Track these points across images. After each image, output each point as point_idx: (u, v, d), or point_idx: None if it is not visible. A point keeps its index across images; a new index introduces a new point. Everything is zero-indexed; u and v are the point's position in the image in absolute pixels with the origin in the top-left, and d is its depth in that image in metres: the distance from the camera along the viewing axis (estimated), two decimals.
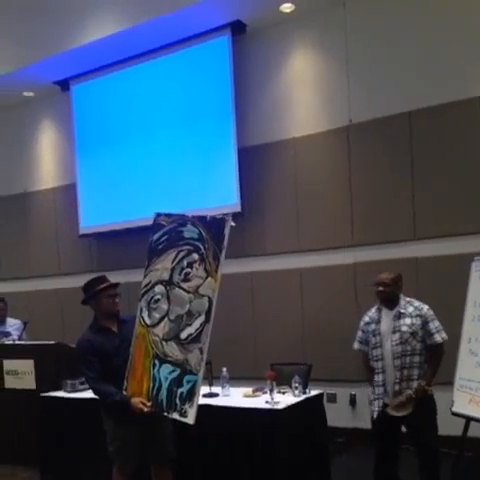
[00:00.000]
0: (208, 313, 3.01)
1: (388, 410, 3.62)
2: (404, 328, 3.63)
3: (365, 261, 5.17)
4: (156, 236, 3.42)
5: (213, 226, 3.10)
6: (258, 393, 4.16)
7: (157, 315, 3.28)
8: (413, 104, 5.05)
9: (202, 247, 3.12)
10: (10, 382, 5.24)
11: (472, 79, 4.82)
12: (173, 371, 3.11)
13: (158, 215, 3.48)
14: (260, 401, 3.96)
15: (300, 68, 5.70)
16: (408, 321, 3.65)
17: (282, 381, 4.14)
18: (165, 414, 3.15)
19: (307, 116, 5.64)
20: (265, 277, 5.79)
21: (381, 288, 3.72)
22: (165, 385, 3.13)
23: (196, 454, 3.97)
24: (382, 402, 3.69)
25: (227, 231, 3.02)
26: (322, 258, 5.46)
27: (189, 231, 3.21)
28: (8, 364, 5.25)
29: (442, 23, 4.94)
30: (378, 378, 3.71)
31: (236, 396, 4.19)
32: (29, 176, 7.64)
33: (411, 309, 3.69)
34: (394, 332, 3.65)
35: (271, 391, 3.86)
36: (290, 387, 4.07)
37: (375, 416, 3.71)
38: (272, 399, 3.83)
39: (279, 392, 4.03)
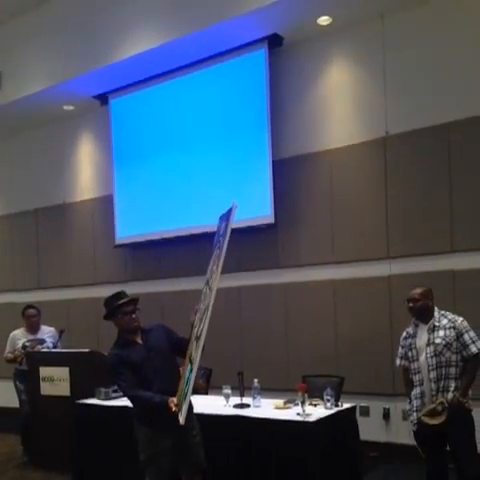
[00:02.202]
0: (208, 307, 2.98)
1: (420, 415, 3.63)
2: (438, 340, 3.65)
3: (400, 273, 5.10)
4: (215, 239, 3.46)
5: (227, 217, 3.12)
6: (289, 405, 4.11)
7: (198, 315, 3.29)
8: (451, 115, 4.98)
9: (222, 241, 3.13)
10: (46, 389, 5.33)
11: None
12: (191, 370, 3.10)
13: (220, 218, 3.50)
14: (291, 413, 3.91)
15: (336, 80, 5.69)
16: (441, 333, 3.66)
17: (314, 393, 4.10)
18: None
19: (343, 128, 5.62)
20: (299, 288, 5.75)
21: (411, 304, 3.76)
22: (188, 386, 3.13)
23: (225, 465, 3.94)
24: (418, 415, 3.68)
25: (232, 218, 3.00)
26: (357, 270, 5.40)
27: (222, 228, 3.26)
28: (44, 371, 5.35)
29: None
30: (416, 391, 3.74)
31: (267, 407, 4.15)
32: (68, 187, 7.81)
33: (445, 321, 3.70)
34: (429, 345, 3.67)
35: (302, 403, 3.82)
36: (322, 399, 4.02)
37: (414, 428, 3.71)
38: (303, 411, 3.78)
39: (311, 404, 3.98)
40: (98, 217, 7.43)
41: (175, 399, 3.23)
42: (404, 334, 3.89)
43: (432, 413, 3.58)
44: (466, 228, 4.89)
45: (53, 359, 5.41)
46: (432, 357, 3.64)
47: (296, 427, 3.73)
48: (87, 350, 5.28)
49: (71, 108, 7.49)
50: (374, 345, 5.07)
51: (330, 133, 5.69)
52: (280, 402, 4.19)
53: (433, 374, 3.63)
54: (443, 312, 3.77)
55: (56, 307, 7.41)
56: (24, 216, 8.20)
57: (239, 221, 5.71)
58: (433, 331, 3.69)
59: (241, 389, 4.33)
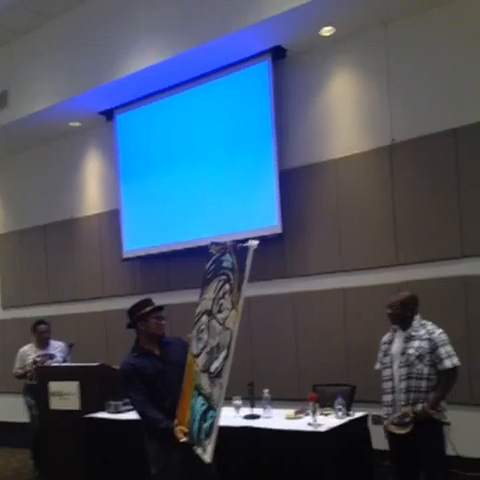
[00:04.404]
0: (229, 347, 2.87)
1: (386, 423, 3.64)
2: (410, 351, 3.61)
3: (409, 280, 5.06)
4: (208, 265, 3.38)
5: (241, 254, 2.97)
6: (300, 415, 4.08)
7: (200, 345, 3.23)
8: (457, 121, 4.97)
9: (232, 277, 3.02)
10: (55, 403, 5.31)
11: None
12: (203, 404, 3.03)
13: (211, 244, 3.43)
14: (302, 423, 3.88)
15: (341, 89, 5.71)
16: (416, 344, 3.62)
17: (325, 403, 4.07)
18: (194, 448, 3.06)
19: (348, 137, 5.62)
20: (307, 297, 5.73)
21: (388, 310, 3.76)
22: (197, 418, 3.07)
23: (236, 477, 3.90)
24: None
25: (249, 260, 2.86)
26: (366, 278, 5.37)
27: (227, 260, 3.13)
28: (54, 385, 5.32)
29: None
30: (387, 398, 3.73)
31: (278, 418, 4.12)
32: (75, 203, 7.85)
33: (422, 332, 3.66)
34: (402, 354, 3.64)
35: (313, 413, 3.78)
36: (333, 409, 3.98)
37: (385, 437, 3.74)
38: (315, 421, 3.75)
39: (322, 414, 3.95)
40: (105, 231, 7.46)
41: (183, 428, 3.18)
42: (384, 339, 3.88)
43: (399, 422, 3.55)
44: (476, 233, 4.85)
45: (62, 373, 5.39)
46: (403, 367, 3.62)
47: (307, 437, 3.69)
48: (97, 364, 5.26)
49: (77, 124, 7.54)
50: None
51: (336, 142, 5.69)
52: (291, 412, 4.16)
53: (403, 384, 3.60)
54: (423, 321, 3.71)
55: (65, 321, 7.42)
56: (33, 232, 8.24)
57: (246, 231, 5.79)
58: (409, 340, 3.65)
59: (251, 400, 4.31)
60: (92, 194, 7.72)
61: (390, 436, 3.73)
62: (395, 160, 5.30)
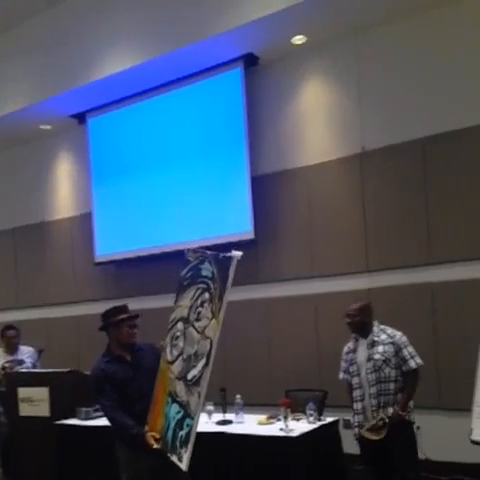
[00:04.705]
0: (208, 356, 2.86)
1: (362, 432, 3.69)
2: (377, 356, 3.71)
3: (380, 286, 5.16)
4: (184, 272, 3.35)
5: (222, 265, 2.94)
6: (272, 420, 4.12)
7: (175, 352, 3.21)
8: (426, 131, 5.07)
9: (212, 286, 3.00)
10: (25, 410, 5.23)
11: None
12: (179, 412, 3.02)
13: (187, 251, 3.39)
14: (274, 428, 3.92)
15: (312, 97, 5.79)
16: (381, 349, 3.72)
17: (297, 408, 4.11)
18: (168, 455, 3.04)
19: (320, 144, 5.70)
20: (280, 303, 5.78)
21: (349, 319, 3.86)
22: (172, 425, 3.05)
23: None
24: (359, 430, 3.76)
25: (232, 271, 2.84)
26: (337, 284, 5.45)
27: (206, 269, 3.10)
28: (23, 392, 5.25)
29: (456, 48, 4.98)
30: (357, 406, 3.79)
31: (250, 423, 4.15)
32: (47, 206, 7.77)
33: (384, 336, 3.76)
34: (368, 360, 3.73)
35: (285, 418, 3.82)
36: (305, 414, 4.03)
37: (356, 443, 3.79)
38: (286, 426, 3.79)
39: (294, 419, 3.99)
40: (77, 235, 7.40)
41: (156, 434, 3.16)
42: (345, 349, 3.95)
43: (373, 428, 3.62)
44: (443, 241, 4.96)
45: (32, 379, 5.31)
46: (371, 373, 3.70)
47: (279, 442, 3.74)
48: (67, 370, 5.21)
49: (48, 127, 7.48)
50: None
51: (307, 149, 5.76)
52: (263, 417, 4.19)
53: (373, 389, 3.68)
54: (382, 326, 3.82)
55: (36, 326, 7.32)
56: (2, 235, 8.13)
57: (220, 237, 5.81)
58: (372, 346, 3.74)
59: (224, 405, 4.33)
60: (64, 197, 7.66)
61: (362, 441, 3.78)
62: (365, 168, 5.39)
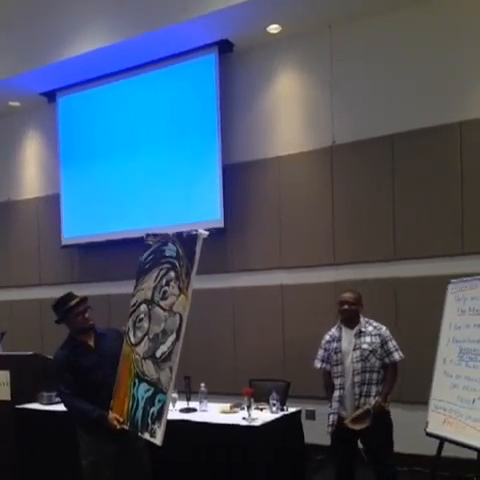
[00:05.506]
0: (178, 331, 2.97)
1: (346, 422, 3.73)
2: (364, 346, 3.79)
3: (346, 279, 5.23)
4: (144, 256, 3.42)
5: (187, 243, 3.08)
6: (236, 409, 4.16)
7: (140, 334, 3.26)
8: (395, 127, 5.14)
9: (178, 264, 3.10)
10: None
11: (453, 105, 4.93)
12: (148, 390, 3.08)
13: (147, 235, 3.48)
14: (237, 417, 3.95)
15: (285, 88, 5.78)
16: (368, 339, 3.81)
17: (261, 397, 4.15)
18: (139, 434, 3.11)
19: (291, 136, 5.71)
20: (246, 293, 5.82)
21: (346, 306, 3.87)
22: (141, 404, 3.10)
23: (172, 470, 3.94)
24: (337, 417, 3.81)
25: (198, 247, 2.97)
26: (304, 275, 5.51)
27: (169, 249, 3.21)
28: None
29: (426, 47, 5.05)
30: (335, 394, 3.85)
31: (213, 412, 4.18)
32: (13, 185, 7.62)
33: (370, 328, 3.85)
34: (355, 349, 3.80)
35: (248, 407, 3.86)
36: (268, 404, 4.08)
37: (330, 430, 3.83)
38: (249, 415, 3.82)
39: (257, 409, 4.03)
40: (44, 216, 7.29)
41: (118, 416, 3.20)
42: (327, 337, 3.98)
43: (357, 418, 3.69)
44: (409, 236, 5.06)
45: None
46: (358, 361, 3.77)
47: (242, 431, 3.76)
48: (30, 353, 5.14)
49: (17, 104, 7.32)
50: None
51: (279, 140, 5.77)
52: (226, 406, 4.23)
53: (358, 378, 3.76)
54: (367, 319, 3.91)
55: None
56: None
57: (189, 224, 5.77)
58: (360, 336, 3.81)
59: (188, 393, 4.34)
60: (31, 177, 7.52)
61: (339, 428, 3.80)
62: (335, 162, 5.44)
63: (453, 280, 3.93)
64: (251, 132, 5.92)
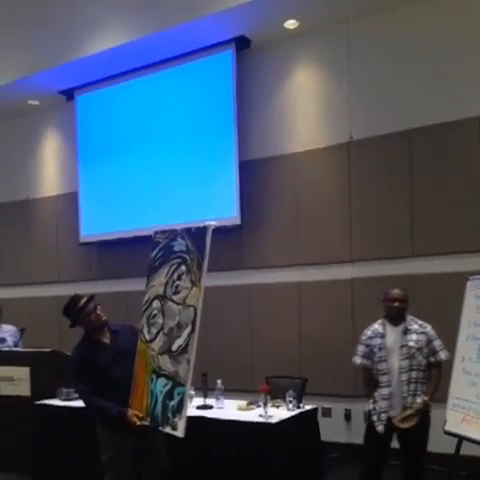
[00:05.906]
0: (193, 323, 3.01)
1: (394, 421, 3.68)
2: (411, 343, 3.72)
3: (363, 277, 5.19)
4: (154, 253, 3.46)
5: (197, 236, 3.13)
6: (252, 406, 4.15)
7: (154, 330, 3.28)
8: (413, 122, 5.09)
9: (188, 258, 3.15)
10: (5, 389, 5.23)
11: (472, 99, 4.87)
12: (166, 384, 3.10)
13: (155, 233, 3.51)
14: (254, 414, 3.95)
15: (302, 84, 5.75)
16: (414, 337, 3.74)
17: (277, 395, 4.15)
18: (160, 428, 3.13)
19: (308, 132, 5.69)
20: (263, 290, 5.81)
21: (397, 304, 3.80)
22: (160, 399, 3.13)
23: (188, 467, 3.95)
24: (387, 415, 3.72)
25: (208, 239, 3.02)
26: (320, 272, 5.48)
27: (179, 244, 3.25)
28: (3, 370, 5.23)
29: (445, 42, 4.99)
30: (384, 391, 3.76)
31: (230, 409, 4.18)
32: (32, 183, 7.70)
33: (416, 326, 3.78)
34: (402, 347, 3.72)
35: (265, 404, 3.86)
36: (285, 401, 4.07)
37: (381, 430, 3.73)
38: (266, 413, 3.83)
39: (273, 406, 4.03)
40: (62, 214, 7.35)
41: (138, 412, 3.22)
42: (369, 333, 3.87)
43: (405, 418, 3.65)
44: (426, 233, 5.00)
45: (13, 358, 5.30)
46: (405, 359, 3.70)
47: (258, 428, 3.77)
48: (49, 349, 5.20)
49: (36, 103, 7.38)
50: (337, 347, 5.13)
51: (296, 136, 5.75)
52: (243, 403, 4.23)
53: (405, 376, 3.68)
54: (412, 317, 3.84)
55: (18, 305, 7.26)
56: None
57: (205, 221, 5.76)
58: (406, 334, 3.74)
59: (204, 390, 4.35)
60: (50, 175, 7.59)
61: (388, 429, 3.73)
62: (352, 157, 5.40)
63: (472, 277, 3.88)
64: (268, 128, 5.90)
